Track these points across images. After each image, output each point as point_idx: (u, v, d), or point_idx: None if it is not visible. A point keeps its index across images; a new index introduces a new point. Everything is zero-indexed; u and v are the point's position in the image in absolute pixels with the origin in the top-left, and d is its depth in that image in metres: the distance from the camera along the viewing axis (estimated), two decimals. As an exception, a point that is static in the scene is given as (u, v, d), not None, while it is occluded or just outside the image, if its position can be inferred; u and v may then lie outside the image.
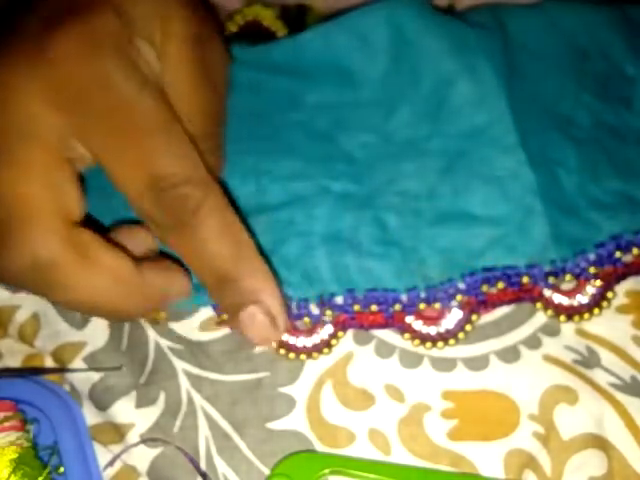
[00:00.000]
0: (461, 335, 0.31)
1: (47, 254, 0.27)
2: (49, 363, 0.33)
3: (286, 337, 0.31)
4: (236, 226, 0.28)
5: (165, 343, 0.32)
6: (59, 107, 0.27)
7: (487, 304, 0.31)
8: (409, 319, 0.31)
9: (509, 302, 0.32)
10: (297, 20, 0.37)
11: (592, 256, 0.31)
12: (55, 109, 0.27)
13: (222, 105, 0.32)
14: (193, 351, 0.32)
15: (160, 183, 0.26)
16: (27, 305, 0.33)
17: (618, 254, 0.31)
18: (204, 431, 0.31)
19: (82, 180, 0.29)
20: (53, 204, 0.27)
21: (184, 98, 0.29)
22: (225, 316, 0.32)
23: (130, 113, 0.26)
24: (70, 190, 0.27)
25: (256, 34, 0.37)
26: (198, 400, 0.31)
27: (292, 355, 0.31)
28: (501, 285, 0.31)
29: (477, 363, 0.31)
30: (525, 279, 0.31)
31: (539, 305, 0.31)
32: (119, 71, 0.26)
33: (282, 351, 0.31)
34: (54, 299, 0.29)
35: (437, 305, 0.31)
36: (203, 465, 0.30)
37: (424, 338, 0.31)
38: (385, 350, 0.31)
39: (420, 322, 0.31)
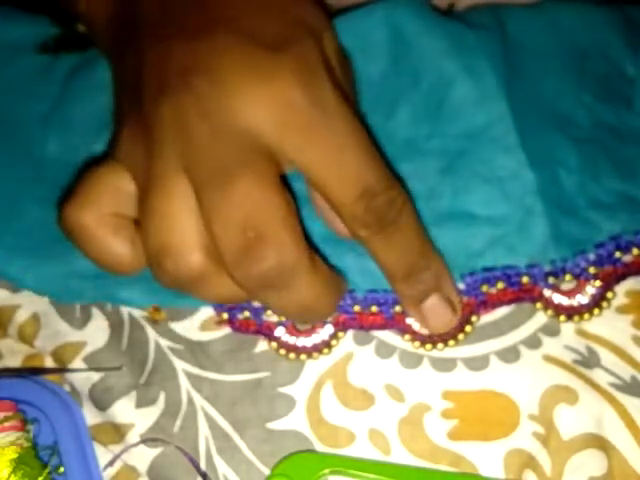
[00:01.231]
0: (461, 336, 0.31)
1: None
2: (49, 363, 0.33)
3: (286, 337, 0.31)
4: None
5: (165, 343, 0.32)
6: (287, 127, 0.27)
7: (487, 304, 0.31)
8: (409, 320, 0.31)
9: (509, 302, 0.32)
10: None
11: (592, 256, 0.31)
12: (283, 130, 0.27)
13: None
14: (193, 351, 0.32)
15: (372, 190, 0.28)
16: (27, 305, 0.33)
17: (618, 254, 0.31)
18: (204, 431, 0.31)
19: None
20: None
21: None
22: (225, 315, 0.32)
23: (347, 131, 0.28)
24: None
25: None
26: (198, 400, 0.31)
27: (292, 355, 0.31)
28: (501, 285, 0.31)
29: (477, 363, 0.31)
30: (525, 279, 0.31)
31: (539, 305, 0.31)
32: (334, 94, 0.28)
33: (282, 351, 0.31)
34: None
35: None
36: (203, 465, 0.30)
37: (424, 339, 0.31)
38: (385, 350, 0.31)
39: (420, 323, 0.31)
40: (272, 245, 0.27)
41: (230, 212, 0.27)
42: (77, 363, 0.32)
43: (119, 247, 0.29)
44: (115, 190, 0.29)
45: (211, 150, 0.27)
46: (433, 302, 0.30)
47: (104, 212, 0.29)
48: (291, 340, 0.31)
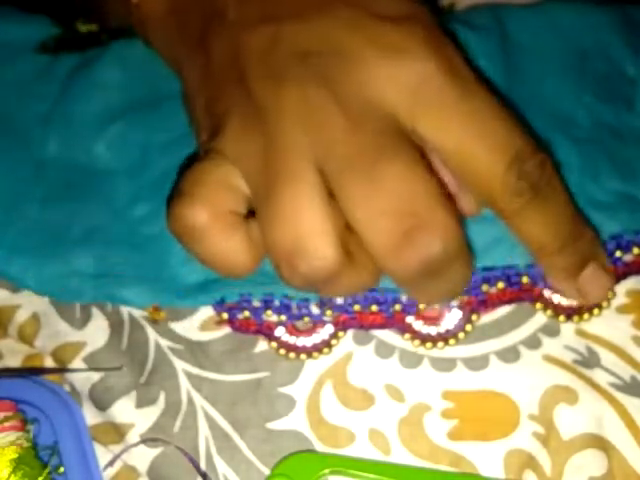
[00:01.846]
0: (461, 335, 0.31)
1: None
2: (49, 363, 0.33)
3: (286, 337, 0.31)
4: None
5: (165, 343, 0.32)
6: (425, 103, 0.26)
7: (487, 304, 0.31)
8: (409, 319, 0.31)
9: (509, 302, 0.32)
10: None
11: (592, 256, 0.31)
12: (420, 107, 0.26)
13: None
14: (193, 351, 0.32)
15: (523, 155, 0.26)
16: (27, 305, 0.33)
17: (618, 253, 0.31)
18: (204, 431, 0.31)
19: None
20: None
21: None
22: (225, 315, 0.32)
23: (485, 99, 0.27)
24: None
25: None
26: (198, 400, 0.31)
27: (292, 355, 0.31)
28: (501, 285, 0.31)
29: (477, 363, 0.31)
30: (525, 279, 0.31)
31: (539, 305, 0.31)
32: (464, 61, 0.27)
33: (282, 351, 0.31)
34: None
35: (437, 305, 0.31)
36: (203, 465, 0.30)
37: (424, 338, 0.31)
38: (385, 350, 0.31)
39: (420, 322, 0.31)
40: (437, 230, 0.25)
41: (382, 199, 0.25)
42: (77, 363, 0.32)
43: (237, 247, 0.27)
44: (228, 186, 0.27)
45: (348, 136, 0.25)
46: (592, 271, 0.29)
47: (219, 210, 0.27)
48: (291, 340, 0.31)
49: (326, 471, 0.29)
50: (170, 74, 0.33)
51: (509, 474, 0.30)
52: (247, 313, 0.31)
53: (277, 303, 0.31)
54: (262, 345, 0.32)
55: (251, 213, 0.28)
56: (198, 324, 0.32)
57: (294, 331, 0.31)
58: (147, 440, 0.31)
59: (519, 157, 0.26)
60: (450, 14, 0.36)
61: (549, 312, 0.31)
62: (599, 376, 0.31)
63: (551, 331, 0.31)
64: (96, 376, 0.32)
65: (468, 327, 0.31)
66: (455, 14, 0.36)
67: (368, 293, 0.31)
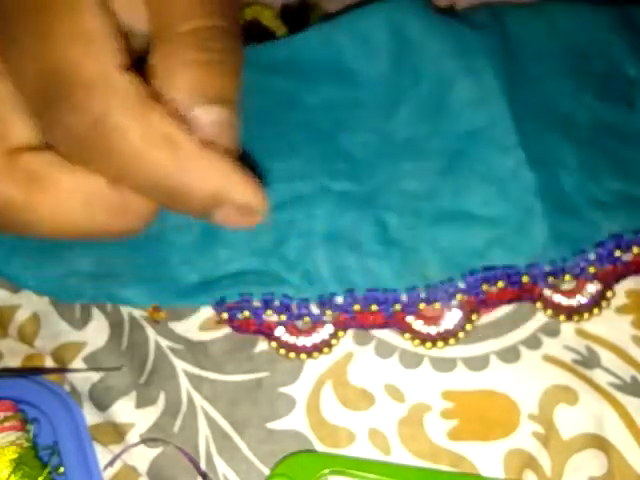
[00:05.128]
0: (461, 335, 0.31)
1: None
2: (49, 363, 0.33)
3: (286, 337, 0.31)
4: None
5: (165, 343, 0.32)
6: None
7: (487, 303, 0.31)
8: (409, 319, 0.31)
9: (509, 301, 0.32)
10: (298, 18, 0.37)
11: (592, 255, 0.31)
12: None
13: None
14: (193, 351, 0.32)
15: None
16: (27, 305, 0.33)
17: (618, 253, 0.31)
18: (204, 431, 0.31)
19: None
20: None
21: None
22: (225, 315, 0.32)
23: None
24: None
25: (256, 34, 0.37)
26: (198, 400, 0.31)
27: (292, 355, 0.31)
28: (501, 284, 0.31)
29: (477, 363, 0.31)
30: (525, 278, 0.31)
31: (539, 305, 0.31)
32: None
33: (282, 351, 0.31)
34: (29, 235, 0.25)
35: (437, 305, 0.31)
36: (203, 465, 0.30)
37: (424, 338, 0.31)
38: (385, 350, 0.31)
39: (420, 322, 0.31)
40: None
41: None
42: (77, 363, 0.32)
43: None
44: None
45: None
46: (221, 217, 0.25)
47: None
48: (291, 340, 0.31)
49: (326, 471, 0.29)
50: None
51: (509, 474, 0.30)
52: (247, 313, 0.32)
53: (277, 303, 0.31)
54: (262, 345, 0.32)
55: None
56: (198, 324, 0.32)
57: (294, 331, 0.32)
58: (147, 440, 0.31)
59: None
60: (450, 14, 0.36)
61: (549, 312, 0.31)
62: (599, 376, 0.31)
63: (551, 331, 0.31)
64: (96, 376, 0.32)
65: (468, 327, 0.31)
66: (455, 14, 0.36)
67: (368, 293, 0.31)
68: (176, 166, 0.23)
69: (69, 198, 0.24)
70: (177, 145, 0.23)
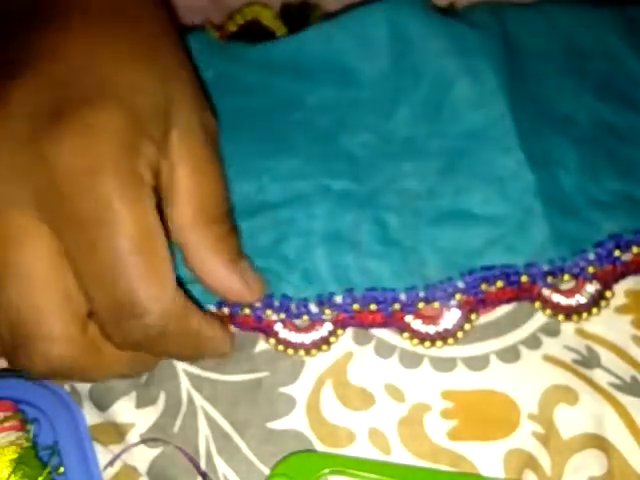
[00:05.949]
0: (460, 334, 0.31)
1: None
2: (49, 363, 0.33)
3: (284, 333, 0.31)
4: None
5: (165, 343, 0.32)
6: (41, 210, 0.25)
7: (486, 303, 0.31)
8: (408, 318, 0.31)
9: (508, 301, 0.32)
10: (298, 18, 0.37)
11: (591, 255, 0.31)
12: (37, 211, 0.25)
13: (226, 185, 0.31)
14: (193, 351, 0.32)
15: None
16: (27, 305, 0.33)
17: (617, 253, 0.31)
18: (204, 431, 0.31)
19: None
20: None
21: (196, 185, 0.28)
22: (226, 310, 0.31)
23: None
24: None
25: (256, 34, 0.37)
26: (198, 400, 0.31)
27: (291, 351, 0.31)
28: (500, 284, 0.31)
29: (477, 363, 0.31)
30: (524, 278, 0.31)
31: (538, 304, 0.31)
32: (117, 190, 0.24)
33: (280, 347, 0.31)
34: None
35: (436, 304, 0.31)
36: (203, 465, 0.30)
37: (423, 337, 0.31)
38: (385, 350, 0.31)
39: (419, 321, 0.31)
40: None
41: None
42: (77, 363, 0.32)
43: None
44: None
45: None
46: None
47: None
48: (290, 336, 0.31)
49: (326, 471, 0.29)
50: None
51: (509, 474, 0.30)
52: (247, 310, 0.31)
53: (277, 303, 0.31)
54: (262, 345, 0.32)
55: None
56: (198, 324, 0.32)
57: (293, 328, 0.31)
58: (147, 440, 0.31)
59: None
60: (450, 13, 0.36)
61: (548, 311, 0.31)
62: (599, 376, 0.31)
63: (551, 331, 0.31)
64: (96, 376, 0.32)
65: (467, 326, 0.31)
66: (455, 13, 0.36)
67: (367, 292, 0.31)
68: None
69: (117, 360, 0.28)
70: None
